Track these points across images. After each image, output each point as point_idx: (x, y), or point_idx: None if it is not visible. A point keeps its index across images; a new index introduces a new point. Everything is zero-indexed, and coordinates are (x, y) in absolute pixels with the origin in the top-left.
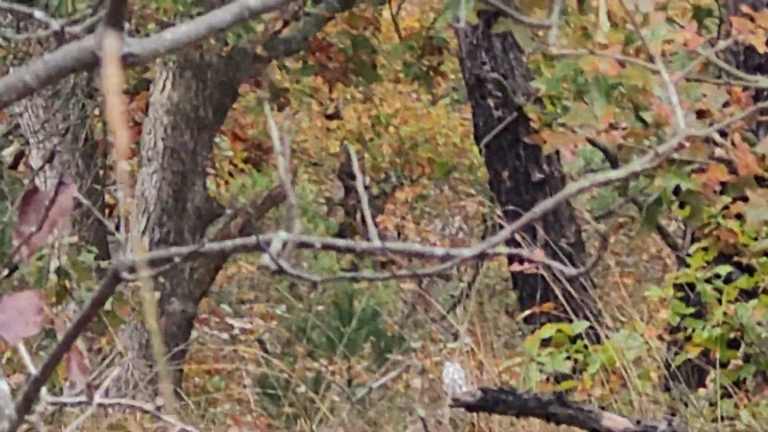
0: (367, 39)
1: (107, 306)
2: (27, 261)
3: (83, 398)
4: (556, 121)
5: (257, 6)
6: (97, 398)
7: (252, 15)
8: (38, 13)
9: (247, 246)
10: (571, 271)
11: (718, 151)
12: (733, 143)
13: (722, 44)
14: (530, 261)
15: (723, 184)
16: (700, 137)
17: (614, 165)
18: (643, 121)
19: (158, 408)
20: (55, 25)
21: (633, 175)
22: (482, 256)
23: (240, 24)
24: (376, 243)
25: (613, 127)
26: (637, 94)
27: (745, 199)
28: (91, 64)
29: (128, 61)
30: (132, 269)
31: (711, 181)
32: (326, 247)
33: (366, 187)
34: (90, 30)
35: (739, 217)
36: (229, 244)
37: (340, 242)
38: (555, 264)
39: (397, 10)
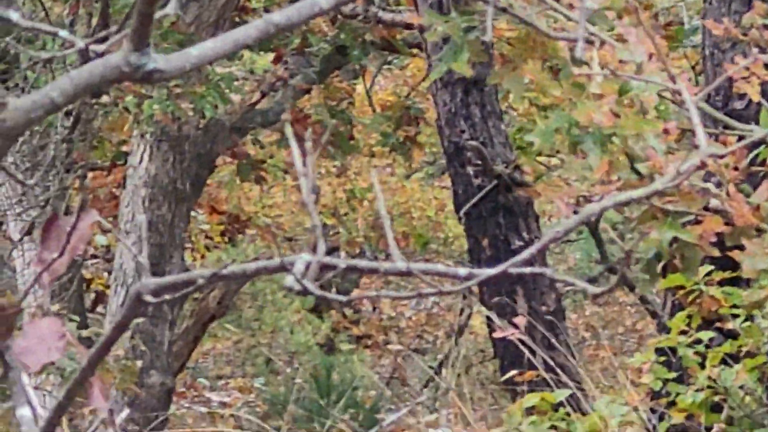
0: (345, 110)
1: None
2: (48, 287)
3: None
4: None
5: (282, 22)
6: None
7: (277, 31)
8: (63, 33)
9: (270, 268)
10: (594, 290)
11: (714, 202)
12: (728, 194)
13: (714, 84)
14: (515, 326)
15: (719, 235)
16: (695, 188)
17: (594, 232)
18: (637, 171)
19: None
20: (80, 43)
21: (656, 194)
22: (503, 275)
23: (265, 40)
24: (401, 264)
25: (607, 180)
26: (632, 145)
27: (742, 248)
28: (118, 79)
29: (155, 77)
30: (155, 292)
31: (707, 233)
32: (350, 268)
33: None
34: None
35: (721, 284)
36: (252, 266)
37: (363, 263)
38: (578, 282)
39: (371, 85)
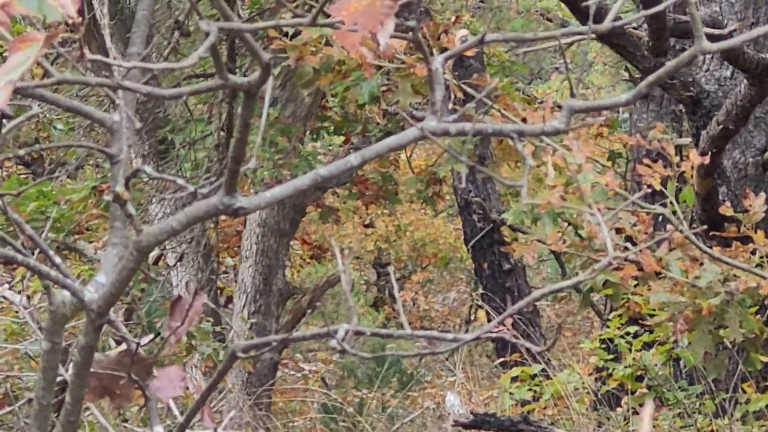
0: (392, 175)
1: (221, 358)
2: (174, 345)
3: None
4: (520, 235)
5: (325, 174)
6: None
7: (322, 180)
8: (180, 181)
9: (321, 334)
10: (537, 348)
11: (631, 255)
12: (640, 250)
13: (637, 195)
14: (510, 336)
15: (635, 277)
16: (619, 247)
17: (559, 259)
18: (579, 236)
19: None
20: (191, 188)
21: (579, 284)
22: (477, 339)
23: (315, 185)
24: (408, 330)
25: (561, 238)
26: (575, 219)
27: (649, 288)
28: (216, 214)
29: (240, 213)
30: (245, 350)
31: (626, 276)
32: (374, 334)
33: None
34: (214, 191)
35: (639, 294)
36: (308, 333)
37: (383, 331)
38: (527, 343)
39: (410, 154)
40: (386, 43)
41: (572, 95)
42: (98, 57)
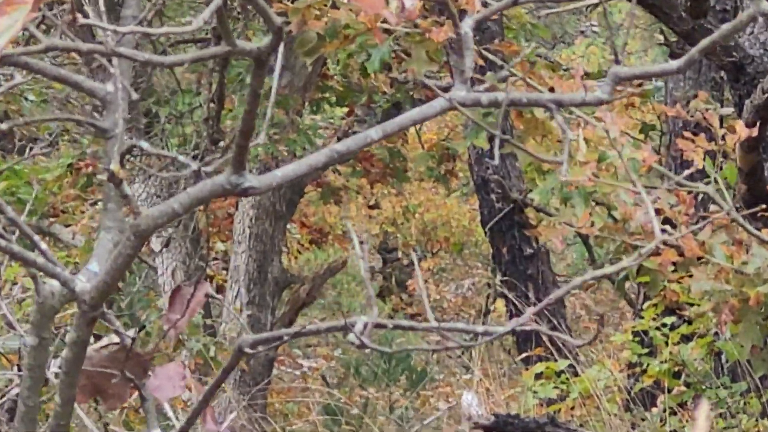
0: (400, 151)
1: (212, 353)
2: (173, 340)
3: None
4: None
5: (342, 150)
6: None
7: (339, 157)
8: (181, 158)
9: (337, 327)
10: (576, 342)
11: (670, 239)
12: (683, 234)
13: (686, 172)
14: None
15: (674, 263)
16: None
17: (586, 243)
18: (613, 218)
19: None
20: (194, 165)
21: (623, 270)
22: (511, 333)
23: (330, 164)
24: (433, 323)
25: (590, 221)
26: (608, 198)
27: (690, 275)
28: (222, 194)
29: (249, 192)
30: (252, 345)
31: (665, 262)
32: (396, 327)
33: (398, 258)
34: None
35: (679, 281)
36: (323, 326)
37: (406, 323)
38: (561, 335)
39: (420, 127)
40: (413, 4)
41: (617, 62)
42: (91, 21)
